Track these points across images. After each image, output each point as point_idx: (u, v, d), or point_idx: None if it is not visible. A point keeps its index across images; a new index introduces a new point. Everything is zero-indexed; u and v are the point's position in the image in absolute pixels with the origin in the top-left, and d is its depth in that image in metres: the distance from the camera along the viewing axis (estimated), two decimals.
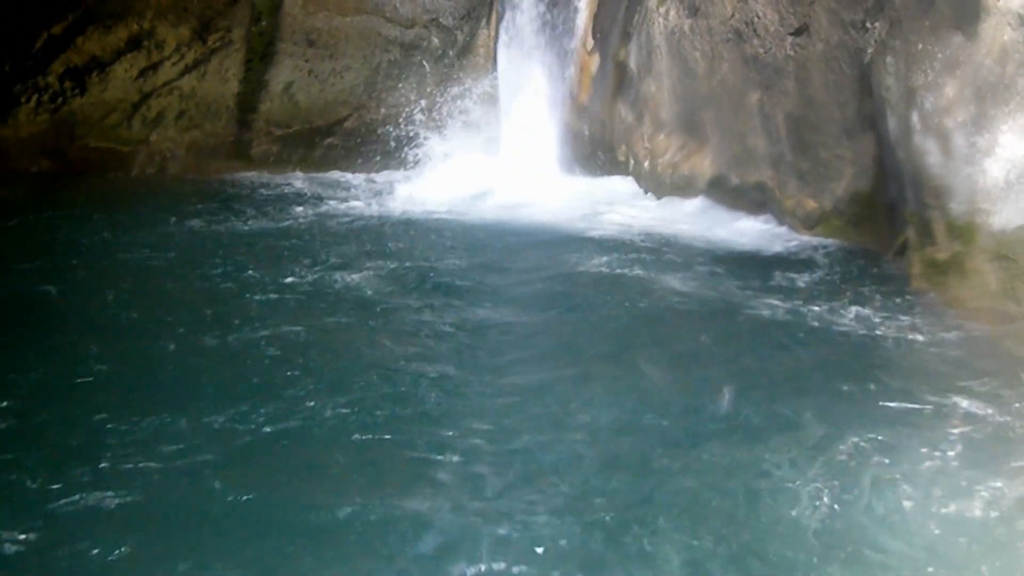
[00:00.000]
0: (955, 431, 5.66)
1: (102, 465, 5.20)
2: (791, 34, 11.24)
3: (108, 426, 5.64)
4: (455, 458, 5.29)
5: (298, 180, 14.54)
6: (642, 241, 10.86)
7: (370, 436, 5.59)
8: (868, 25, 9.95)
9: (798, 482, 5.09)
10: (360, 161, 15.58)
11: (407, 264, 9.43)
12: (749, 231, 11.68)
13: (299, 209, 12.32)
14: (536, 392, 6.26)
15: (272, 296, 8.26)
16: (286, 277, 8.81)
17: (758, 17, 11.73)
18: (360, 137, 15.68)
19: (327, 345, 7.23)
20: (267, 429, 5.61)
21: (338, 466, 5.25)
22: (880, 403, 6.13)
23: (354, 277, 8.85)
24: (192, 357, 6.79)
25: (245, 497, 4.89)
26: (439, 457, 5.31)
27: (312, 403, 6.01)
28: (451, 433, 5.56)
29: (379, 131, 15.73)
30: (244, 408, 5.84)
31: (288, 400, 6.02)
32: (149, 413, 5.75)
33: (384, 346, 7.17)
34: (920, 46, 8.80)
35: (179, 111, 14.78)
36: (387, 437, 5.63)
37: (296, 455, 5.38)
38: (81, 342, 7.00)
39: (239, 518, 4.74)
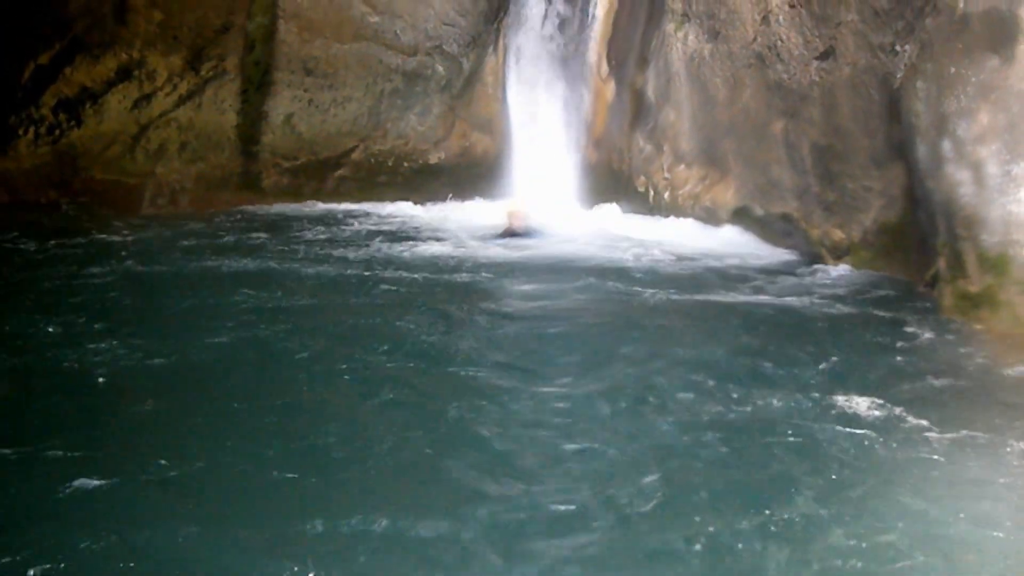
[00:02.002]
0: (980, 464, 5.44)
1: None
2: (816, 58, 11.02)
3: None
4: None
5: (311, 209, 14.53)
6: (671, 273, 10.60)
7: None
8: (898, 48, 9.71)
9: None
10: (372, 193, 15.47)
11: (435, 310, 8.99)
12: (775, 258, 11.48)
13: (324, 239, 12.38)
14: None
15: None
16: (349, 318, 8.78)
17: (781, 41, 11.51)
18: (370, 169, 15.59)
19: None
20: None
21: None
22: (908, 429, 5.91)
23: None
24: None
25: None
26: None
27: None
28: None
29: (389, 163, 15.62)
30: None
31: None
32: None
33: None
34: (953, 70, 8.55)
35: (180, 143, 14.84)
36: None
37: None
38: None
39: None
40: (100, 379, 6.75)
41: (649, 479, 5.21)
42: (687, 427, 5.94)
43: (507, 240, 12.46)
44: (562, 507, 4.95)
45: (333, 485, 5.21)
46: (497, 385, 6.70)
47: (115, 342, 7.45)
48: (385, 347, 7.57)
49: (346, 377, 6.93)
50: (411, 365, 7.21)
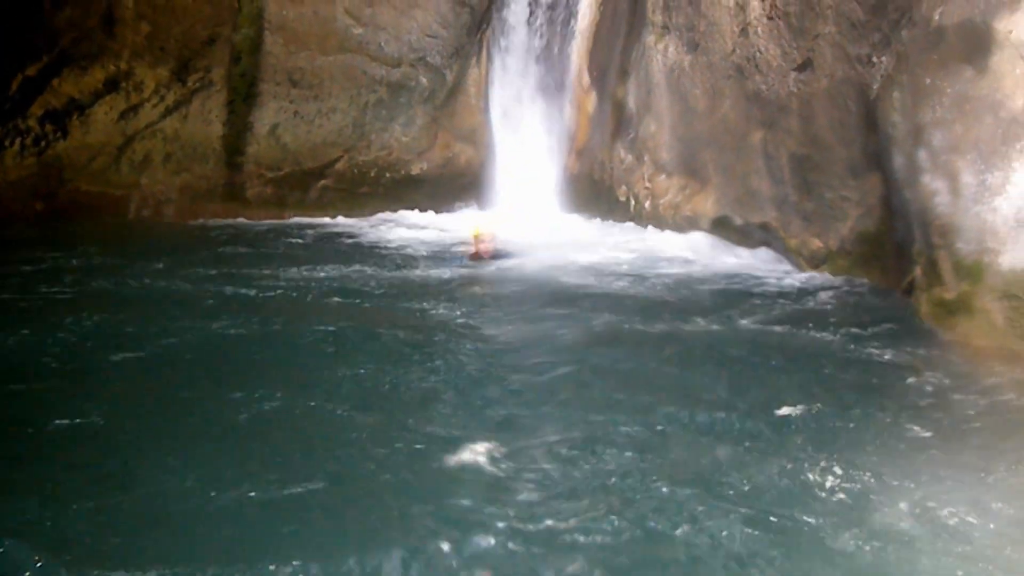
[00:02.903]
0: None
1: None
2: (794, 69, 11.07)
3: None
4: None
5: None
6: (655, 286, 10.44)
7: None
8: (874, 59, 9.77)
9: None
10: (356, 204, 15.51)
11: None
12: (753, 267, 11.48)
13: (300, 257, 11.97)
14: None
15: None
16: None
17: (760, 52, 11.58)
18: (353, 179, 15.63)
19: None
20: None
21: None
22: (880, 437, 5.85)
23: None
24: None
25: None
26: None
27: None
28: None
29: (372, 173, 15.67)
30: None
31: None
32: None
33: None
34: (928, 81, 8.59)
35: (165, 154, 14.82)
36: None
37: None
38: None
39: None
40: None
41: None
42: (664, 464, 5.50)
43: (474, 264, 11.60)
44: None
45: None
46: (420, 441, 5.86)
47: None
48: (310, 390, 6.73)
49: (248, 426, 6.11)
50: (332, 409, 6.42)
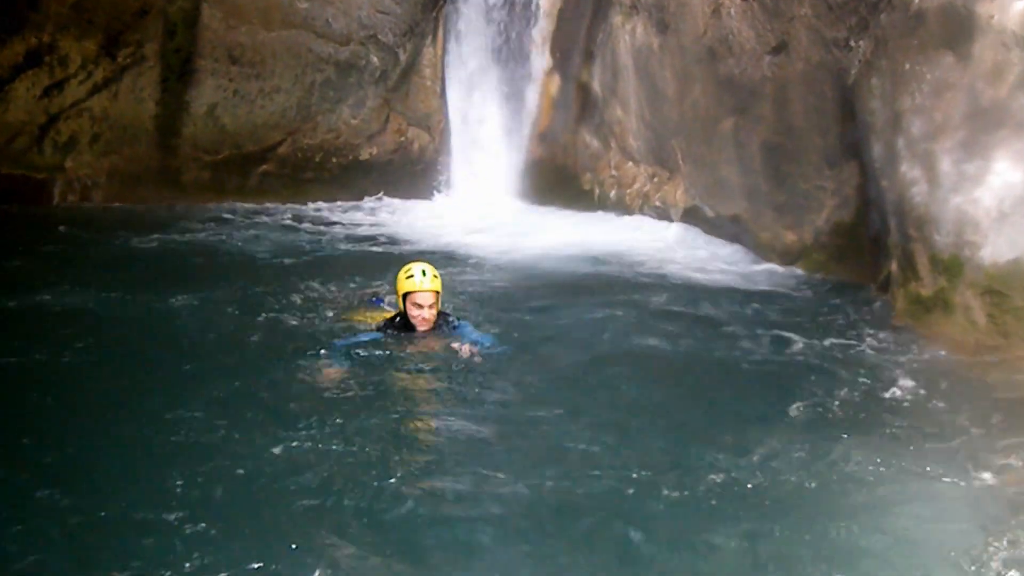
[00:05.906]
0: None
1: None
2: (768, 53, 11.22)
3: None
4: None
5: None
6: (622, 281, 10.44)
7: None
8: (852, 44, 9.92)
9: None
10: (299, 191, 15.43)
11: None
12: (729, 260, 11.59)
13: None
14: None
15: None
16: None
17: (733, 34, 11.71)
18: (296, 164, 15.52)
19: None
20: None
21: None
22: (847, 440, 5.87)
23: None
24: None
25: None
26: None
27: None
28: None
29: (317, 158, 15.58)
30: None
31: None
32: None
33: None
34: (908, 67, 8.74)
35: (93, 135, 14.60)
36: None
37: None
38: None
39: None
40: None
41: None
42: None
43: (392, 336, 7.32)
44: None
45: None
46: None
47: None
48: None
49: None
50: None
